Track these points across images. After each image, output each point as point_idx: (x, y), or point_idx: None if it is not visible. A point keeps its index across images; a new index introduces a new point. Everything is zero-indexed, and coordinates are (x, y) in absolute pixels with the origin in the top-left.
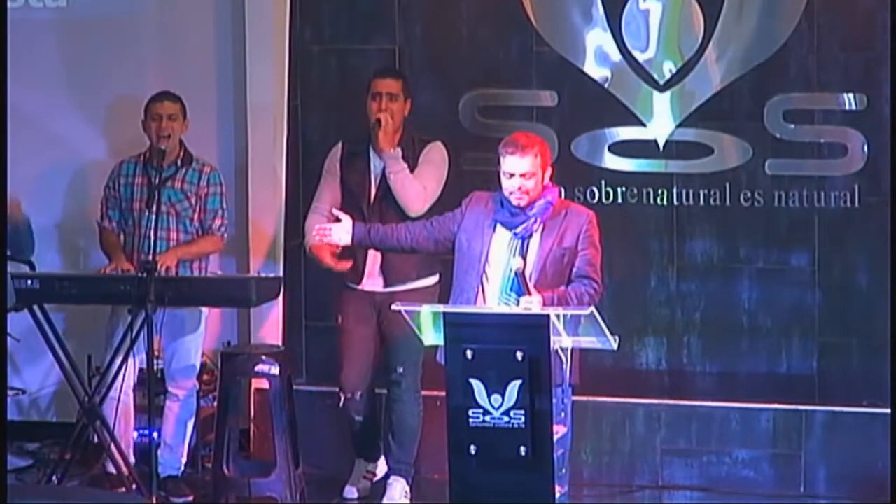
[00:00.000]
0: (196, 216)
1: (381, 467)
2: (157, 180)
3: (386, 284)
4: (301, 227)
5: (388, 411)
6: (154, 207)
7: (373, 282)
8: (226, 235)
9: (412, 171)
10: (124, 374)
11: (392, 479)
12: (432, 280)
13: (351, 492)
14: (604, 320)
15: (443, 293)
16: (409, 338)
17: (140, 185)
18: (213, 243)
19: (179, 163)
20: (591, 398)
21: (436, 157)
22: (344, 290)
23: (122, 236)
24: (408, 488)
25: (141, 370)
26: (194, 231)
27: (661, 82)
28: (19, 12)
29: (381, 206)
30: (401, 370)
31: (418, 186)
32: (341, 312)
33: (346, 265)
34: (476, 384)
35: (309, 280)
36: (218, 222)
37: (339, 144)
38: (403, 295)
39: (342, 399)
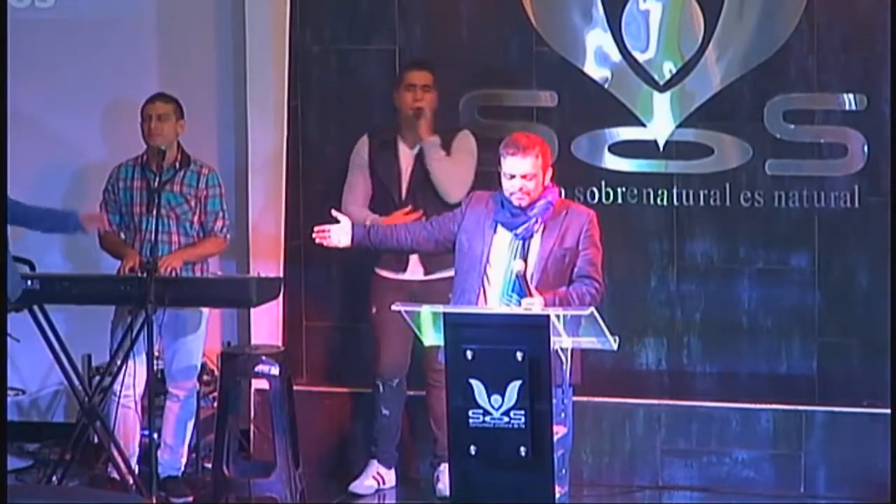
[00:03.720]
0: (196, 218)
1: (391, 478)
2: (156, 182)
3: (426, 272)
4: (301, 226)
5: (430, 398)
6: (154, 210)
7: (415, 270)
8: (228, 236)
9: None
10: (125, 375)
11: (442, 467)
12: None
13: (358, 487)
14: (604, 320)
15: None
16: None
17: (139, 189)
18: (215, 245)
19: (178, 165)
20: (591, 398)
21: (469, 145)
22: (377, 280)
23: (122, 238)
24: None
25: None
26: (194, 233)
27: (661, 82)
28: (22, 13)
29: (414, 198)
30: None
31: (459, 173)
32: (375, 303)
33: None
34: (476, 384)
35: (309, 280)
36: (219, 224)
37: (365, 138)
38: (443, 282)
39: (380, 388)
